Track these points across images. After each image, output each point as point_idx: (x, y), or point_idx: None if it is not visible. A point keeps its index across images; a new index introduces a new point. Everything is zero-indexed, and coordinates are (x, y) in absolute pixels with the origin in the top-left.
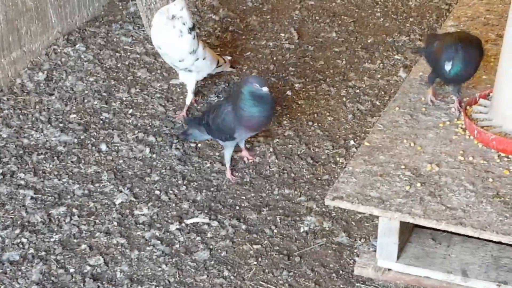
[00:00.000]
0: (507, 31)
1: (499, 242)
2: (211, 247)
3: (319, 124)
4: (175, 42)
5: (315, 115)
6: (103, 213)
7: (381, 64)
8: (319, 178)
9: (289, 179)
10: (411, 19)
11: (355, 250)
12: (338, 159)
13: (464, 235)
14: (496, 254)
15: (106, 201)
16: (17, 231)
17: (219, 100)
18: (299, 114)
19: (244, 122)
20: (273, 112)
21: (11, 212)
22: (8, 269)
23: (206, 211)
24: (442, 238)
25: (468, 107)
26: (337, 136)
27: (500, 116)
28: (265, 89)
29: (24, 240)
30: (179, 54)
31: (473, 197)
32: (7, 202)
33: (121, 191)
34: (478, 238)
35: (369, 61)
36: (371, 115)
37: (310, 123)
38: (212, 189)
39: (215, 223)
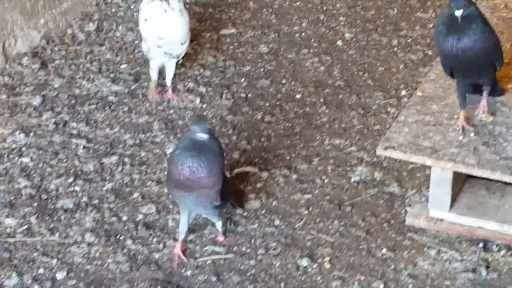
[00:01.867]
0: None
1: None
2: (261, 196)
3: (370, 74)
4: (178, 24)
5: (366, 65)
6: (154, 162)
7: (433, 14)
8: (370, 129)
9: (339, 129)
10: None
11: (407, 200)
12: (389, 109)
13: None
14: None
15: (157, 150)
16: (70, 179)
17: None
18: (349, 64)
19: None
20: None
21: (64, 161)
22: (62, 217)
23: (256, 161)
24: (496, 188)
25: None
26: (388, 86)
27: None
28: (204, 136)
29: (77, 188)
30: (182, 35)
31: None
32: (60, 151)
33: (171, 141)
34: None
35: (421, 10)
36: (423, 65)
37: (361, 73)
38: (262, 139)
39: (265, 173)
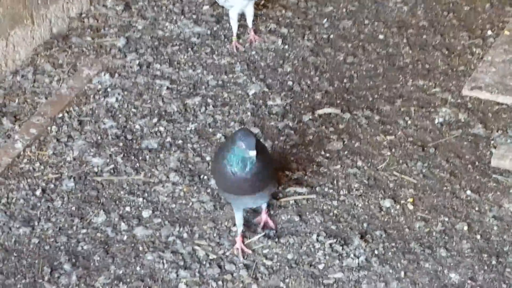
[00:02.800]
0: None
1: None
2: (343, 137)
3: (455, 14)
4: None
5: (451, 4)
6: (236, 103)
7: None
8: (454, 69)
9: (423, 70)
10: None
11: (492, 142)
12: (474, 49)
13: None
14: None
15: (240, 91)
16: (155, 120)
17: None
18: (434, 3)
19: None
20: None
21: (149, 101)
22: (147, 157)
23: (338, 101)
24: None
25: None
26: (474, 26)
27: None
28: (252, 153)
29: (161, 128)
30: None
31: None
32: (145, 92)
33: (254, 82)
34: None
35: None
36: (510, 4)
37: (446, 13)
38: (344, 80)
39: (347, 114)
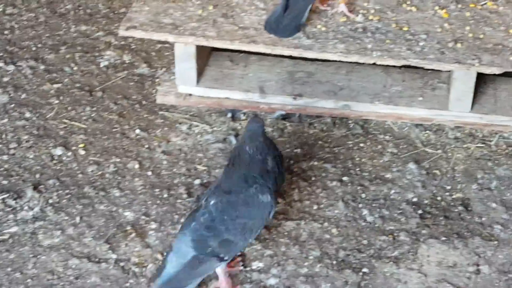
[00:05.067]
0: None
1: (293, 57)
2: (9, 90)
3: None
4: None
5: None
6: None
7: None
8: (115, 12)
9: (85, 15)
10: None
11: (157, 80)
12: None
13: (260, 54)
14: (291, 69)
15: None
16: None
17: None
18: None
19: None
20: None
21: None
22: None
23: (1, 54)
24: (240, 59)
25: None
26: None
27: None
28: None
29: None
30: None
31: (264, 15)
32: None
33: None
34: (272, 55)
35: None
36: None
37: None
38: (5, 32)
39: (11, 66)
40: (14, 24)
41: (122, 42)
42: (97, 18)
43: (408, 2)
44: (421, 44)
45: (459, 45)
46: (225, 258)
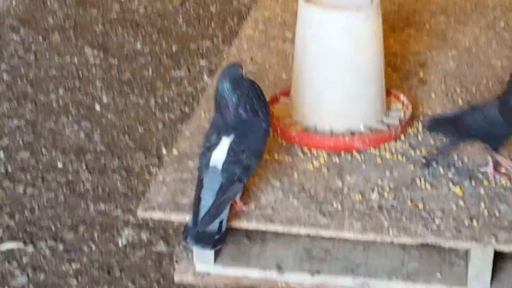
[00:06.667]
0: (297, 30)
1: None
2: (28, 271)
3: (131, 136)
4: None
5: (126, 127)
6: None
7: (187, 71)
8: (134, 191)
9: (104, 194)
10: (213, 24)
11: (175, 258)
12: (151, 169)
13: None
14: (307, 246)
15: None
16: None
17: None
18: (109, 127)
19: None
20: None
21: None
22: None
23: (21, 235)
24: (257, 236)
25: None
26: (149, 146)
27: (300, 113)
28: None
29: None
30: None
31: (281, 194)
32: None
33: None
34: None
35: (175, 68)
36: (181, 123)
37: (122, 135)
38: (25, 212)
39: (30, 247)
40: (34, 204)
41: (141, 221)
42: (115, 196)
43: (422, 179)
44: (437, 222)
45: (475, 222)
46: (245, 181)
